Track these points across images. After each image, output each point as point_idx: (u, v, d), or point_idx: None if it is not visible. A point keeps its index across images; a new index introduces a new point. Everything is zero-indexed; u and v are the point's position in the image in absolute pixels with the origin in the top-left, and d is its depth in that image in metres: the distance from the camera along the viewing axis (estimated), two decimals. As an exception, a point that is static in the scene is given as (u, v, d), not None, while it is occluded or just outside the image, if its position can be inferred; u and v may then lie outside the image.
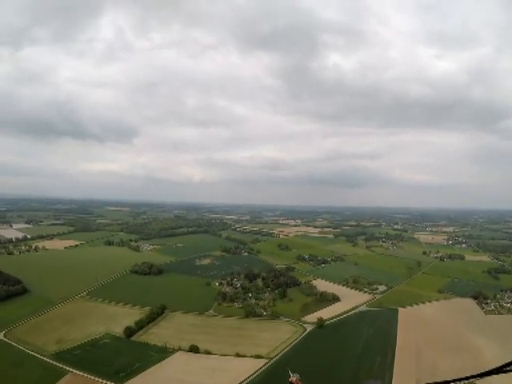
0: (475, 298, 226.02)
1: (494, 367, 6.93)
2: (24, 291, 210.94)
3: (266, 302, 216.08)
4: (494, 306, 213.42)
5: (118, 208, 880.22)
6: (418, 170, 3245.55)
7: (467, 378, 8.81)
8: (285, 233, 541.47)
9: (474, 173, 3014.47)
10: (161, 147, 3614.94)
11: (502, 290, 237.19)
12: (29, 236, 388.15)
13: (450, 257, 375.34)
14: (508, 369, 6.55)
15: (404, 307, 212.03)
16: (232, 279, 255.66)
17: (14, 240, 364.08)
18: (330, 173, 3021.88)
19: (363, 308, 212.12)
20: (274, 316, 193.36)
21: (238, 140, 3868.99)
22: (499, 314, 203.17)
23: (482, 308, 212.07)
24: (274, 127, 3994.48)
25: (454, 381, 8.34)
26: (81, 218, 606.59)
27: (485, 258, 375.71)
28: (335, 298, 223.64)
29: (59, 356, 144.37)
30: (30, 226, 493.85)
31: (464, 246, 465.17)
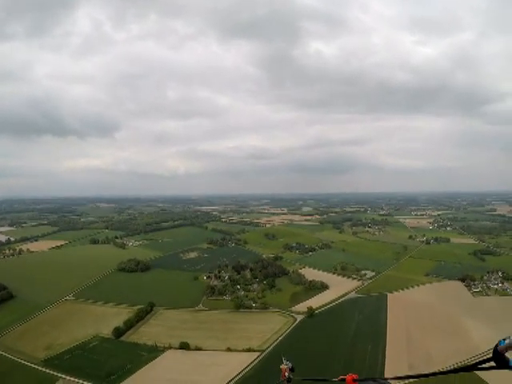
0: (462, 280, 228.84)
1: (468, 364, 6.87)
2: (9, 297, 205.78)
3: (255, 293, 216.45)
4: (482, 288, 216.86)
5: (103, 204, 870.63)
6: (403, 155, 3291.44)
7: (442, 373, 8.20)
8: (271, 222, 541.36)
9: (457, 156, 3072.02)
10: (143, 141, 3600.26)
11: (488, 272, 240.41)
12: (12, 239, 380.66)
13: (435, 240, 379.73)
14: (481, 366, 6.53)
15: (393, 292, 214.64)
16: (220, 272, 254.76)
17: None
18: (315, 160, 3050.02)
19: (352, 295, 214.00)
20: (264, 307, 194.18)
21: (221, 131, 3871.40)
22: (487, 295, 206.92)
23: (470, 290, 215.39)
24: (258, 116, 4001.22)
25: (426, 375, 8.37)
26: (65, 217, 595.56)
27: (470, 240, 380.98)
28: (324, 286, 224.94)
29: (49, 363, 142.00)
30: (13, 228, 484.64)
31: (449, 228, 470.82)
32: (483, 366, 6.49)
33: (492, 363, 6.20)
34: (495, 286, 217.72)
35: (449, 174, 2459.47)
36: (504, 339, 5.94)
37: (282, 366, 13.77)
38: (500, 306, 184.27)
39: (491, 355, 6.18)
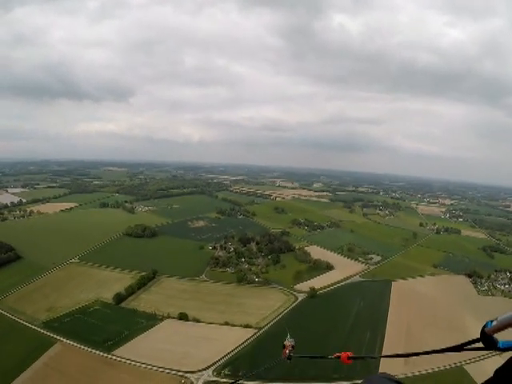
0: (469, 275, 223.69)
1: (455, 344, 6.92)
2: (16, 258, 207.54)
3: (259, 267, 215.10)
4: (488, 287, 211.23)
5: (115, 168, 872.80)
6: (420, 139, 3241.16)
7: (427, 353, 8.13)
8: (282, 195, 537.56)
9: (475, 146, 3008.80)
10: (158, 107, 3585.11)
11: (496, 270, 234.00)
12: (24, 200, 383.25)
13: (446, 230, 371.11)
14: (467, 347, 6.75)
15: (398, 280, 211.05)
16: (226, 243, 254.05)
17: (9, 205, 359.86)
18: (330, 136, 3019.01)
19: (357, 278, 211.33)
20: (266, 283, 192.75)
21: (237, 100, 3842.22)
22: (492, 295, 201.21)
23: (476, 287, 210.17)
24: (275, 87, 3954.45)
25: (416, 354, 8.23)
26: (77, 180, 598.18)
27: (481, 234, 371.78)
28: (329, 267, 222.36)
29: (48, 325, 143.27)
30: (25, 189, 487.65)
31: (461, 220, 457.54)
32: (471, 346, 6.56)
33: (480, 344, 6.22)
34: (502, 287, 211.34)
35: (465, 163, 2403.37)
36: (491, 321, 5.91)
37: (286, 342, 12.75)
38: (505, 307, 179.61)
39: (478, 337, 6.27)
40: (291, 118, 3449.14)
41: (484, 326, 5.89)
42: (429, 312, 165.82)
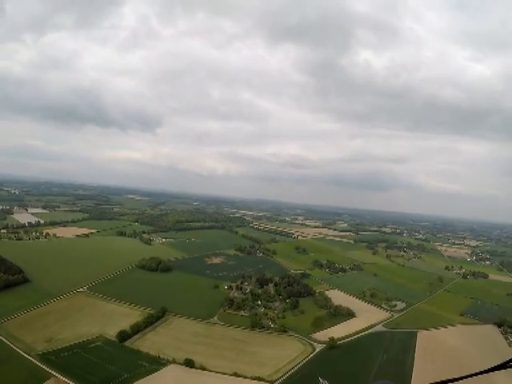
0: (499, 325, 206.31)
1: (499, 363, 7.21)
2: (24, 281, 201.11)
3: (276, 312, 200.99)
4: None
5: (138, 197, 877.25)
6: (444, 178, 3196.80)
7: (463, 378, 8.34)
8: (304, 234, 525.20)
9: (501, 185, 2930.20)
10: (184, 138, 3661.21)
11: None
12: (42, 221, 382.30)
13: (473, 274, 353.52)
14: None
15: (423, 330, 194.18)
16: (242, 283, 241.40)
17: (26, 225, 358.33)
18: (353, 174, 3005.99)
19: (379, 328, 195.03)
20: (283, 330, 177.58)
21: (261, 135, 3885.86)
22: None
23: (506, 338, 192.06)
24: (299, 124, 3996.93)
25: (451, 380, 8.05)
26: (98, 206, 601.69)
27: (509, 278, 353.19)
28: (350, 314, 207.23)
29: (45, 357, 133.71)
30: (45, 211, 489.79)
31: (488, 262, 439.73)
32: None
33: None
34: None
35: (490, 202, 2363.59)
36: None
37: None
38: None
39: None
40: (314, 155, 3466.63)
41: None
42: (456, 368, 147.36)
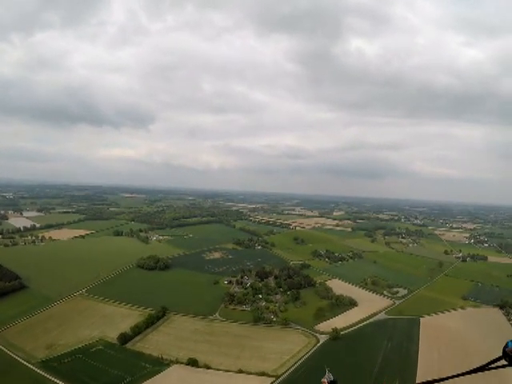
0: (501, 307, 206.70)
1: (479, 365, 7.26)
2: (21, 287, 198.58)
3: (277, 305, 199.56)
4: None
5: (134, 195, 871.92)
6: (440, 163, 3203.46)
7: (454, 377, 8.36)
8: (302, 224, 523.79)
9: (496, 168, 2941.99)
10: (177, 133, 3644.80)
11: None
12: (37, 225, 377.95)
13: (472, 257, 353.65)
14: (491, 366, 7.20)
15: (426, 316, 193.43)
16: (242, 277, 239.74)
17: (21, 229, 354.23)
18: (349, 162, 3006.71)
19: (382, 316, 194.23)
20: (285, 323, 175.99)
21: (256, 127, 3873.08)
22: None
23: (509, 319, 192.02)
24: (294, 115, 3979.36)
25: (443, 379, 8.30)
26: (94, 206, 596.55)
27: (508, 259, 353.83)
28: (352, 303, 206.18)
29: (47, 364, 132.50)
30: (41, 213, 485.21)
31: (486, 245, 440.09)
32: (494, 365, 7.20)
33: (503, 361, 6.90)
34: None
35: (486, 185, 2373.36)
36: (511, 340, 6.87)
37: (323, 380, 12.44)
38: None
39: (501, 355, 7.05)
40: (310, 145, 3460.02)
41: (505, 346, 6.73)
42: (462, 353, 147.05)
